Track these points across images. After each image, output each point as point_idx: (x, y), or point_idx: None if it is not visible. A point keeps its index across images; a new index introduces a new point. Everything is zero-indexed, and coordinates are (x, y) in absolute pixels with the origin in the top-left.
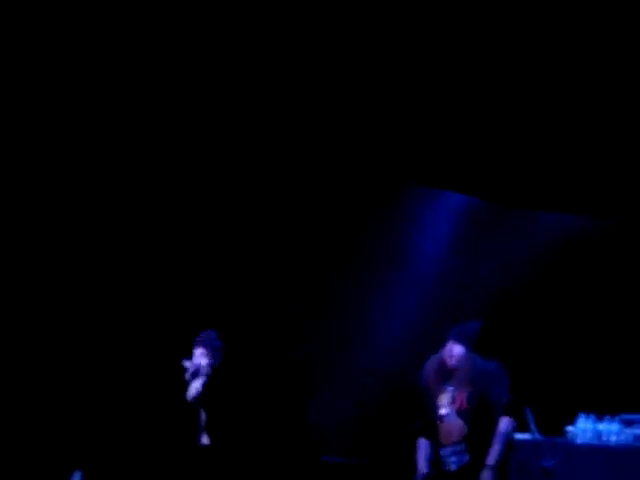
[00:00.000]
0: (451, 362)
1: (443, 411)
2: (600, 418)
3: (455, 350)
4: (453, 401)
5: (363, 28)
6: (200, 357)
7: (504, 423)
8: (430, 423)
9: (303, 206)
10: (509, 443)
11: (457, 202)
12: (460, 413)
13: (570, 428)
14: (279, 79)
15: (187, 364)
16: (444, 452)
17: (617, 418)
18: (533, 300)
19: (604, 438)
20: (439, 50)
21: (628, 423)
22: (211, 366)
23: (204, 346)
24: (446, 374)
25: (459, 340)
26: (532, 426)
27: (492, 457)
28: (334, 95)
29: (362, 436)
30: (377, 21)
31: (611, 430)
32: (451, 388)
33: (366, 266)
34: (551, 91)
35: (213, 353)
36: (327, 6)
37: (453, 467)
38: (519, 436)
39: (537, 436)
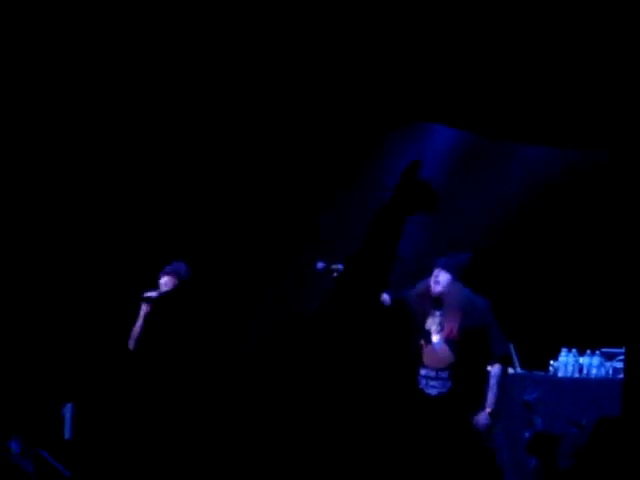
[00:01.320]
0: (436, 288)
1: (433, 337)
2: (582, 352)
3: (440, 276)
4: (442, 327)
5: None
6: (165, 286)
7: (498, 368)
8: (414, 344)
9: (294, 140)
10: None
11: (443, 136)
12: (448, 341)
13: (552, 362)
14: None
15: (151, 294)
16: (425, 373)
17: (598, 352)
18: (516, 235)
19: (585, 371)
20: None
21: (609, 357)
22: None
23: (170, 275)
24: (433, 300)
25: (446, 268)
26: (515, 361)
27: (490, 403)
28: (319, 29)
29: None
30: None
31: (592, 364)
32: (438, 313)
33: (352, 203)
34: (537, 19)
35: (180, 283)
36: None
37: (432, 391)
38: None
39: (519, 370)
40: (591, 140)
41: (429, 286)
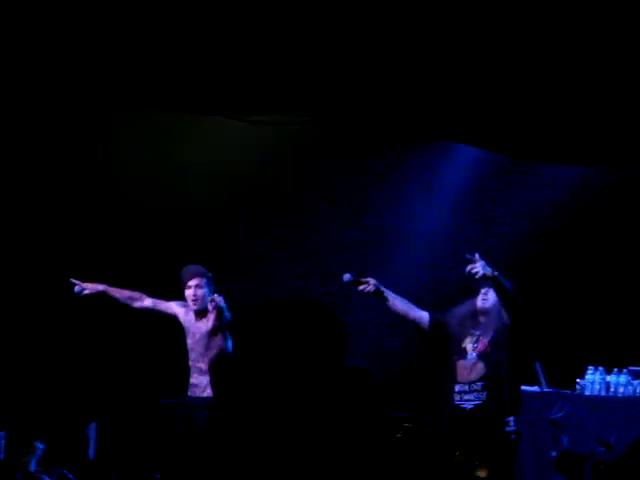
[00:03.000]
0: (484, 305)
1: (468, 354)
2: (609, 370)
3: (489, 294)
4: (477, 345)
5: None
6: (199, 288)
7: None
8: (448, 361)
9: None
10: None
11: (465, 156)
12: (481, 355)
13: (579, 380)
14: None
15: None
16: (459, 389)
17: (625, 370)
18: (544, 253)
19: (612, 390)
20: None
21: (636, 375)
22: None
23: (199, 276)
24: (473, 319)
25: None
26: (542, 379)
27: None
28: (334, 43)
29: None
30: None
31: (619, 382)
32: (477, 332)
33: (374, 222)
34: (561, 38)
35: (208, 284)
36: None
37: (468, 406)
38: (528, 389)
39: (546, 389)
40: (621, 159)
41: (475, 305)
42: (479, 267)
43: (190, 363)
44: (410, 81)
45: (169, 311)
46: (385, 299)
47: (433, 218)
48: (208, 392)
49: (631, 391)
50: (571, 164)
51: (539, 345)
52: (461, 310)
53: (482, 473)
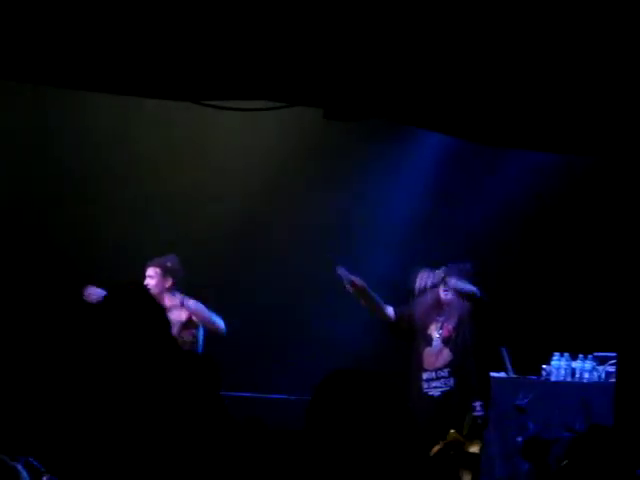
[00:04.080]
0: (447, 297)
1: (433, 341)
2: (574, 356)
3: (451, 284)
4: (441, 329)
5: None
6: (149, 278)
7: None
8: (415, 349)
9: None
10: None
11: (431, 143)
12: (445, 340)
13: (545, 366)
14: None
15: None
16: (426, 376)
17: (590, 356)
18: (509, 240)
19: (577, 375)
20: None
21: (601, 361)
22: (161, 290)
23: (156, 266)
24: (439, 307)
25: (452, 276)
26: (507, 365)
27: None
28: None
29: None
30: None
31: (584, 368)
32: (441, 318)
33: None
34: (531, 25)
35: (165, 274)
36: None
37: (436, 393)
38: (494, 374)
39: (512, 375)
40: (586, 145)
41: (438, 294)
42: (450, 290)
43: None
44: (378, 67)
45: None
46: (362, 294)
47: (402, 201)
48: None
49: (596, 377)
50: (539, 151)
51: (505, 330)
52: (426, 299)
53: (474, 448)
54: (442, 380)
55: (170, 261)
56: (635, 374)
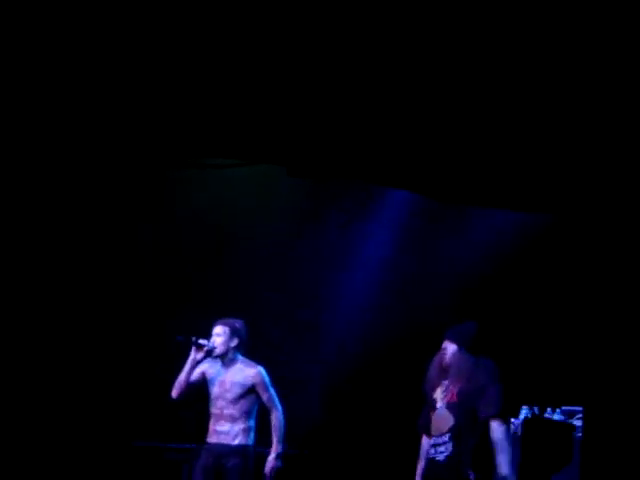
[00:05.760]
0: (445, 360)
1: (437, 404)
2: (542, 410)
3: (449, 348)
4: (445, 394)
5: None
6: (217, 336)
7: (494, 426)
8: (424, 417)
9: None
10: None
11: (400, 201)
12: (449, 406)
13: (513, 420)
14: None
15: (204, 342)
16: (433, 441)
17: (558, 410)
18: (476, 296)
19: None
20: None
21: (569, 415)
22: (227, 349)
23: (225, 325)
24: (442, 371)
25: (453, 339)
26: None
27: (503, 467)
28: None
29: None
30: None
31: None
32: (446, 382)
33: (316, 268)
34: (493, 84)
35: (232, 335)
36: None
37: (441, 457)
38: None
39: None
40: (538, 203)
41: (442, 359)
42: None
43: (215, 410)
44: (344, 126)
45: (198, 376)
46: None
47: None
48: (240, 439)
49: None
50: (501, 208)
51: None
52: (432, 364)
53: None
54: (445, 445)
55: (238, 323)
56: (601, 427)
